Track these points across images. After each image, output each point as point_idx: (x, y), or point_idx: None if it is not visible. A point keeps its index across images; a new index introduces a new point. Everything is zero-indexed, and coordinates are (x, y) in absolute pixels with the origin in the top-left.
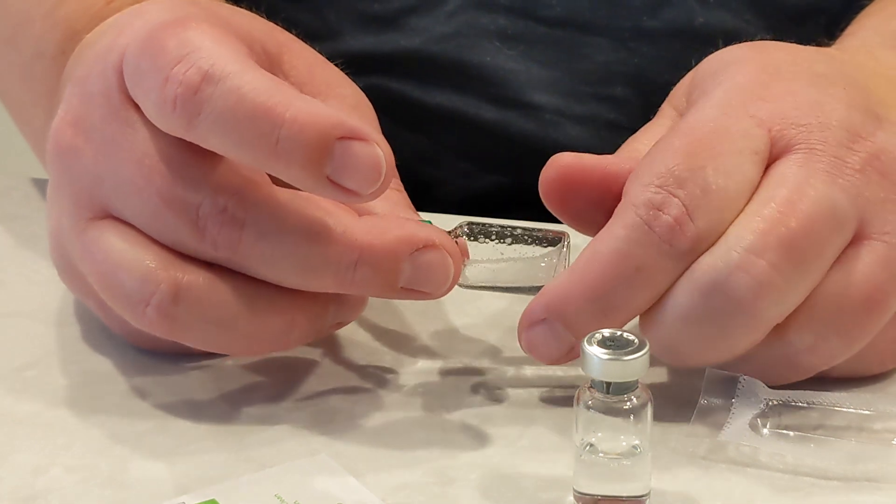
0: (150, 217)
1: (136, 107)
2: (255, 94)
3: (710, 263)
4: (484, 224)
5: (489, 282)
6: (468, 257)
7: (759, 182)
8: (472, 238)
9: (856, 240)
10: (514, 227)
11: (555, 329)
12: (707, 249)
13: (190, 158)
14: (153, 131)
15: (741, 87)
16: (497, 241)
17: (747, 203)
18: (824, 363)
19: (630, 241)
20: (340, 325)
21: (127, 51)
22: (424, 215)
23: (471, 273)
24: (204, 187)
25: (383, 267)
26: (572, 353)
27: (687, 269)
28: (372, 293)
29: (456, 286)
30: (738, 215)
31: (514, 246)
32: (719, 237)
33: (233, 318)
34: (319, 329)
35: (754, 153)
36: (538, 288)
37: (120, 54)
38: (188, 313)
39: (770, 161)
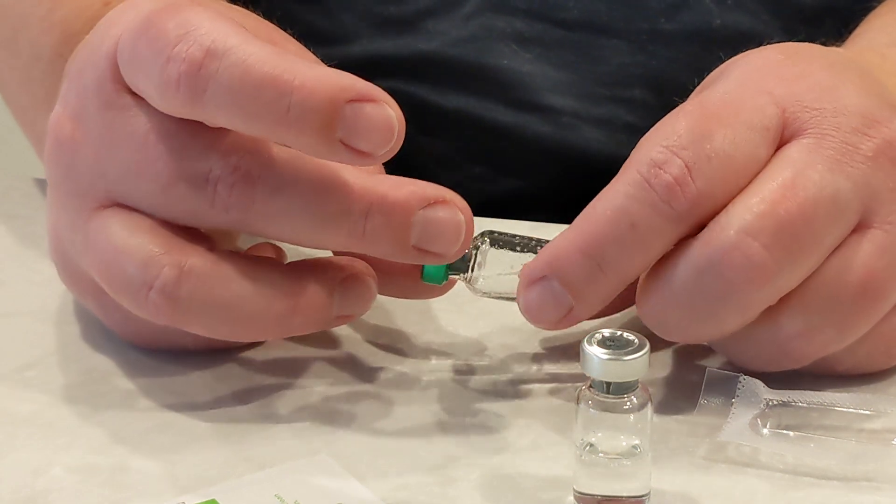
0: (157, 195)
1: (131, 92)
2: (261, 64)
3: (706, 240)
4: (504, 234)
5: (507, 292)
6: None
7: (767, 162)
8: (492, 247)
9: (858, 228)
10: (533, 239)
11: (552, 288)
12: (705, 216)
13: (193, 133)
14: (151, 113)
15: (758, 67)
16: (519, 251)
17: (751, 181)
18: (817, 351)
19: (627, 197)
20: (347, 318)
21: (121, 38)
22: None
23: (488, 283)
24: (212, 154)
25: (395, 218)
26: (570, 317)
27: (684, 234)
28: (385, 250)
29: (473, 293)
30: (740, 192)
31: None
32: (718, 208)
33: (236, 300)
34: (324, 317)
35: (765, 129)
36: None
37: (112, 44)
38: (192, 296)
39: (781, 143)
